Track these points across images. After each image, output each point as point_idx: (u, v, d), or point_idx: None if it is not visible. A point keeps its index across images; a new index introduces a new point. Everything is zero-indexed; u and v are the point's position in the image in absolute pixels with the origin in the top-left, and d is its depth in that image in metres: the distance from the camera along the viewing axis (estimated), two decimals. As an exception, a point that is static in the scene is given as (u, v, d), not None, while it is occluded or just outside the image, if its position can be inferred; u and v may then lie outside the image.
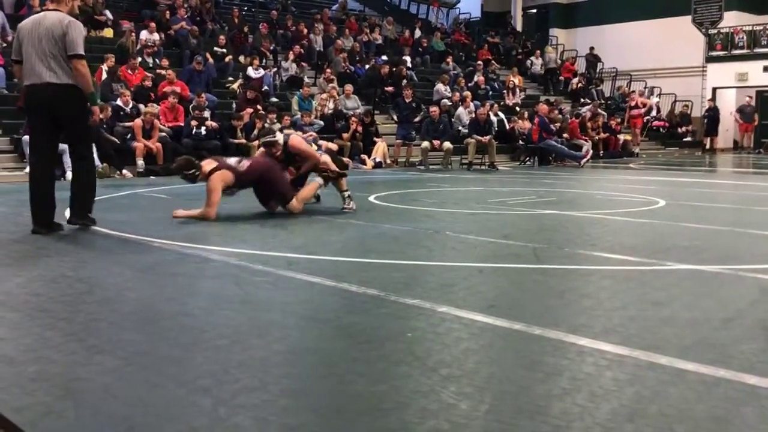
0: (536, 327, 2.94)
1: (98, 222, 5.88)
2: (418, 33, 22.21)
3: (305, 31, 19.02)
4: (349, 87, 16.15)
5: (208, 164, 6.23)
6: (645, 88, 23.18)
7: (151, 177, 11.31)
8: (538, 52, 23.54)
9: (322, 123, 14.67)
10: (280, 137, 6.69)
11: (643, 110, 20.88)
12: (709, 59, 23.09)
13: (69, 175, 10.88)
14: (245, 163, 6.32)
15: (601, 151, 18.22)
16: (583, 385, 2.31)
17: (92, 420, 2.05)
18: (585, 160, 15.48)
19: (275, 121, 13.50)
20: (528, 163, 16.02)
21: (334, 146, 14.08)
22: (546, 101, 18.69)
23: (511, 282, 4.01)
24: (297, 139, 6.83)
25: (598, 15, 26.43)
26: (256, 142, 12.77)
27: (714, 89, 22.84)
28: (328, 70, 16.99)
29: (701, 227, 6.02)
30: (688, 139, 22.48)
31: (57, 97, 5.55)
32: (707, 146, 21.96)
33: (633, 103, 20.70)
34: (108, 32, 16.26)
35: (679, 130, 22.50)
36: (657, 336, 2.86)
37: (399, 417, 2.06)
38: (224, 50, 16.44)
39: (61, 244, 5.14)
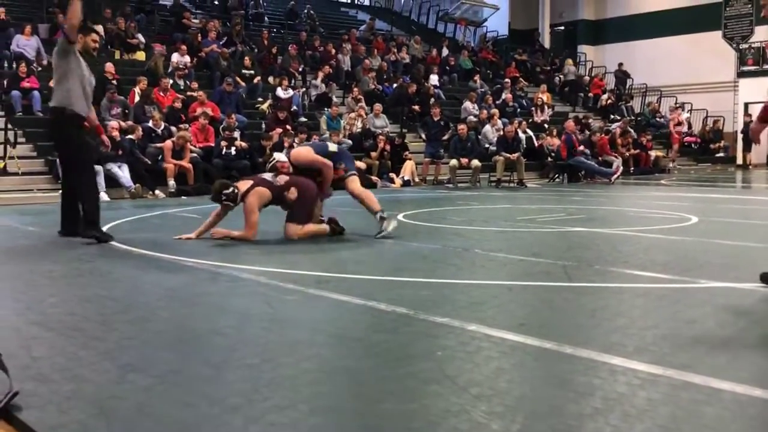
0: (567, 346, 2.91)
1: (131, 242, 5.96)
2: (445, 51, 22.29)
3: (333, 51, 19.19)
4: (378, 106, 16.25)
5: (244, 184, 6.19)
6: (675, 103, 22.98)
7: (182, 197, 11.45)
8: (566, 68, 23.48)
9: (350, 142, 14.75)
10: (280, 156, 6.52)
11: (684, 128, 20.86)
12: (741, 74, 22.83)
13: (103, 196, 11.11)
14: (282, 178, 6.25)
15: (632, 168, 18.08)
16: (615, 404, 2.28)
17: (126, 438, 2.07)
18: (615, 176, 15.36)
19: (304, 141, 13.60)
20: (557, 180, 15.93)
21: (362, 165, 14.23)
22: (575, 118, 18.63)
23: (541, 300, 3.98)
24: (298, 151, 6.59)
25: (626, 31, 26.29)
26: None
27: (746, 104, 22.56)
28: (356, 90, 17.11)
29: (735, 244, 5.93)
30: (721, 154, 22.21)
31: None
32: (745, 162, 21.61)
33: (677, 121, 20.65)
34: (140, 55, 16.57)
35: (712, 146, 22.24)
36: (691, 355, 2.82)
37: (429, 436, 2.05)
38: (252, 71, 16.65)
39: (95, 264, 5.21)
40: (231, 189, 6.05)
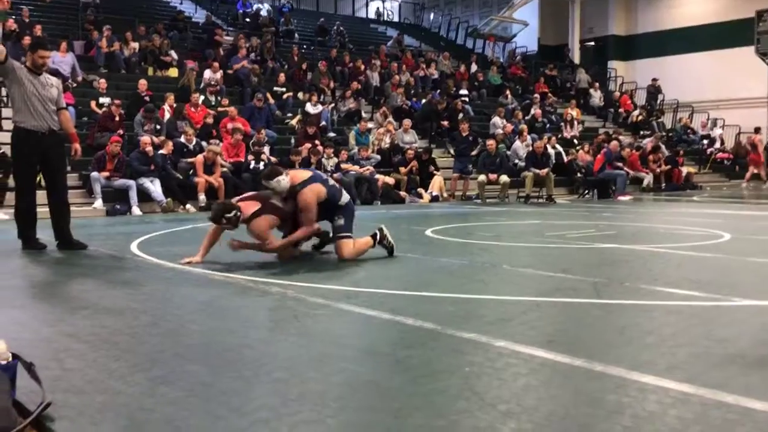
0: (597, 363, 2.88)
1: (162, 255, 6.04)
2: (474, 67, 22.31)
3: (362, 67, 19.31)
4: (407, 122, 16.30)
5: (250, 206, 5.72)
6: (707, 119, 22.72)
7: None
8: (597, 84, 23.37)
9: (378, 157, 14.81)
10: (283, 181, 5.77)
11: (717, 144, 20.82)
12: (775, 90, 22.52)
13: (135, 210, 11.28)
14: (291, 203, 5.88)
15: (663, 184, 17.89)
16: (646, 423, 2.26)
17: (156, 450, 2.10)
18: (624, 197, 15.06)
19: (332, 155, 13.70)
20: (587, 195, 15.81)
21: (390, 180, 14.27)
22: (605, 134, 18.51)
23: (570, 317, 3.95)
24: (311, 189, 5.78)
25: (657, 47, 26.09)
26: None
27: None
28: (385, 105, 17.18)
29: (769, 262, 5.83)
30: (755, 171, 21.87)
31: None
32: None
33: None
34: (173, 72, 16.83)
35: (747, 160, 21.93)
36: (723, 374, 2.78)
37: (457, 452, 2.05)
38: (284, 89, 16.82)
39: (126, 277, 5.28)
40: (233, 213, 5.59)
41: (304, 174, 6.02)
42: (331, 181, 6.14)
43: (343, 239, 5.92)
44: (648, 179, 17.20)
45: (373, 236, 6.10)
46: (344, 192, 6.13)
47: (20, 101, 6.33)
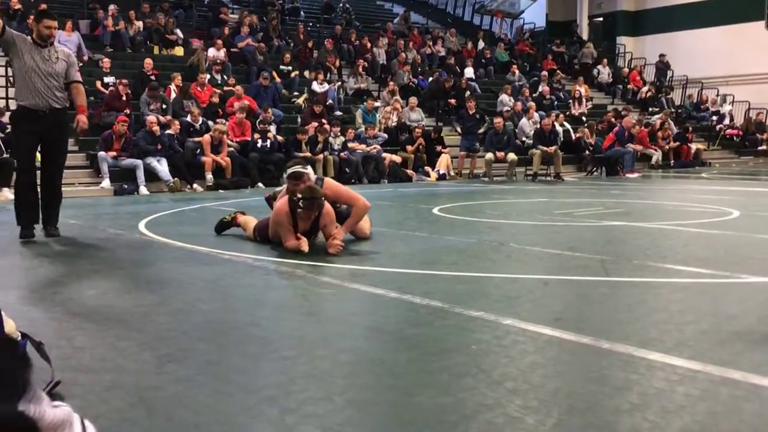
0: (605, 341, 2.88)
1: (170, 235, 6.05)
2: (481, 44, 22.15)
3: (369, 44, 19.19)
4: (413, 99, 16.22)
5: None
6: (717, 96, 22.53)
7: (220, 191, 11.57)
8: (605, 60, 23.18)
9: (385, 136, 14.76)
10: (311, 172, 5.61)
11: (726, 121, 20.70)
12: (785, 65, 22.29)
13: (142, 189, 11.30)
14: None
15: (672, 161, 17.79)
16: (653, 400, 2.26)
17: (164, 427, 2.11)
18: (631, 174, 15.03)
19: (338, 134, 13.66)
20: (595, 173, 15.75)
21: (397, 158, 14.23)
22: (614, 111, 18.39)
23: (577, 295, 3.94)
24: (335, 185, 5.79)
25: (666, 22, 25.80)
26: (320, 156, 12.97)
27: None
28: (392, 83, 17.10)
29: (778, 238, 5.81)
30: (764, 147, 21.74)
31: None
32: None
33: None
34: (179, 51, 16.77)
35: (759, 137, 21.79)
36: (731, 351, 2.77)
37: (464, 430, 2.05)
38: (290, 67, 16.74)
39: (135, 256, 5.30)
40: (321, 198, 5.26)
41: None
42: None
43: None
44: (657, 156, 17.09)
45: None
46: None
47: (20, 78, 5.93)
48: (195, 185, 11.84)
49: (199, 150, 12.17)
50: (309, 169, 5.56)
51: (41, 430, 0.72)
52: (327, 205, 5.35)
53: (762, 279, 4.16)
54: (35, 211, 6.12)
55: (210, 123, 12.96)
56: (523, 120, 16.25)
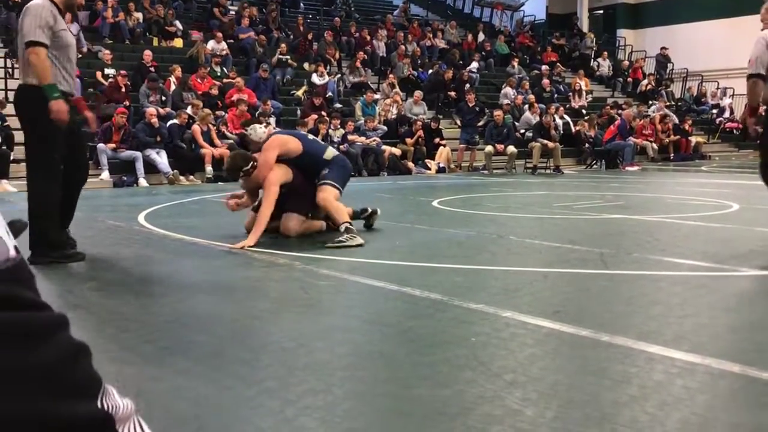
0: (604, 333, 2.88)
1: (170, 227, 6.04)
2: (481, 37, 22.10)
3: (368, 37, 19.15)
4: (418, 93, 16.18)
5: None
6: (717, 89, 22.50)
7: (219, 183, 11.57)
8: (605, 53, 23.13)
9: (385, 128, 14.74)
10: (259, 129, 5.50)
11: (726, 114, 20.70)
12: (786, 58, 22.24)
13: (142, 181, 11.29)
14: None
15: (672, 154, 17.78)
16: (652, 393, 2.26)
17: (164, 419, 2.11)
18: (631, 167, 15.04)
19: (338, 126, 13.65)
20: (594, 166, 15.74)
21: (397, 151, 14.22)
22: (614, 104, 18.37)
23: (577, 287, 3.95)
24: (272, 142, 5.49)
25: (667, 15, 25.75)
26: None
27: (790, 89, 21.99)
28: (391, 76, 17.07)
29: (777, 232, 5.81)
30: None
31: (16, 99, 4.82)
32: None
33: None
34: (178, 42, 16.73)
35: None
36: (729, 344, 2.78)
37: (463, 422, 2.06)
38: (288, 57, 16.70)
39: (134, 249, 5.30)
40: (251, 164, 5.38)
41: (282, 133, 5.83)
42: (312, 137, 5.97)
43: (324, 185, 5.46)
44: (651, 148, 17.10)
45: (363, 210, 5.96)
46: (332, 149, 5.91)
47: (63, 57, 4.61)
48: (193, 177, 11.83)
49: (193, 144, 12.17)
50: (255, 128, 5.59)
51: (117, 423, 0.72)
52: (264, 149, 5.34)
53: (761, 272, 4.16)
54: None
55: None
56: (527, 114, 16.21)
